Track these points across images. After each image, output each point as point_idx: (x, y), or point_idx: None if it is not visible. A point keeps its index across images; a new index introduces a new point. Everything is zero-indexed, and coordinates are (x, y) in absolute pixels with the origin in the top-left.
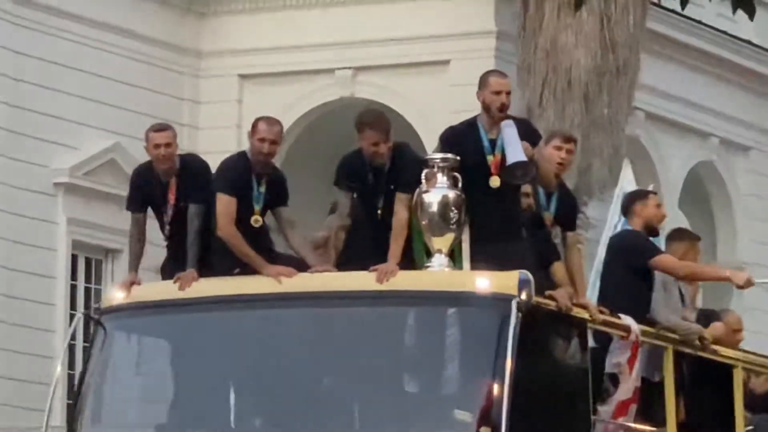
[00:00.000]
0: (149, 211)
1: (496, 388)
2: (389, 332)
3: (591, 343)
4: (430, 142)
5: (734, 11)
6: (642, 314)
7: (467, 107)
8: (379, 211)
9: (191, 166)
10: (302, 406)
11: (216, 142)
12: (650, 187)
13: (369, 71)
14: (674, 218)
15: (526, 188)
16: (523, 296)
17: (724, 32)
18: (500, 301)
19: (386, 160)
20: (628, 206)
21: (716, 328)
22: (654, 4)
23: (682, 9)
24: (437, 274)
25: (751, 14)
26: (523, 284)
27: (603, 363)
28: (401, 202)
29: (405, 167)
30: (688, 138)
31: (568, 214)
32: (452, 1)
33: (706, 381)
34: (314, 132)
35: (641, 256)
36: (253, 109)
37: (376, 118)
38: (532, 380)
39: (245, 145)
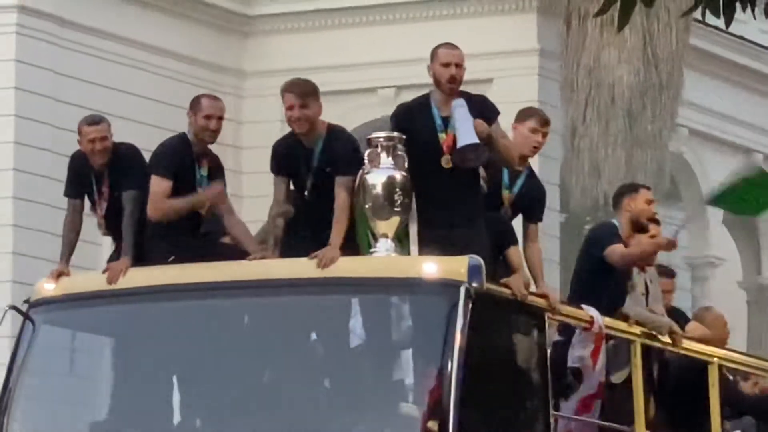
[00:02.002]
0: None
1: (444, 380)
2: (331, 322)
3: (556, 336)
4: None
5: None
6: (611, 307)
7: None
8: (306, 193)
9: (124, 154)
10: (242, 401)
11: (259, 163)
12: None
13: (412, 90)
14: (719, 235)
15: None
16: (474, 283)
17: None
18: (448, 287)
19: (307, 132)
20: (616, 199)
21: (694, 328)
22: (697, 20)
23: (727, 27)
24: (381, 259)
25: None
26: (473, 270)
27: (566, 356)
28: (341, 184)
29: (340, 148)
30: (732, 154)
31: (533, 202)
32: (495, 19)
33: (679, 378)
34: None
35: (598, 247)
36: None
37: (293, 82)
38: (485, 373)
39: None
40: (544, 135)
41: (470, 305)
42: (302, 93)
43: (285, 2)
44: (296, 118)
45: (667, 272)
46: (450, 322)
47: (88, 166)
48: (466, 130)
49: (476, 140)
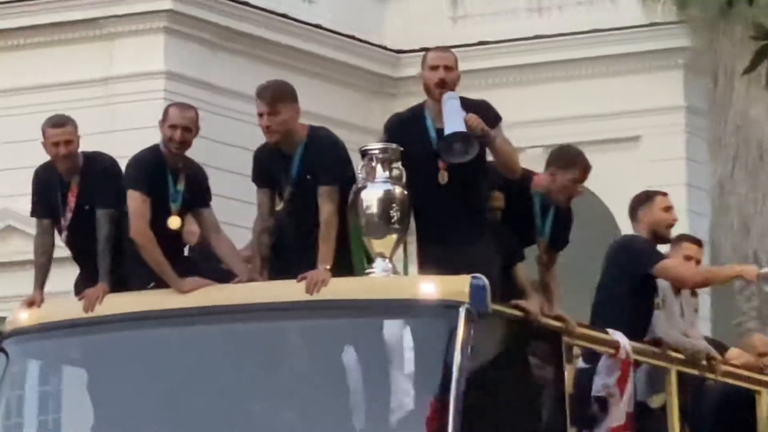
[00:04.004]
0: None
1: (443, 408)
2: (322, 348)
3: (581, 363)
4: (622, 220)
5: None
6: (640, 331)
7: (660, 182)
8: (284, 205)
9: (96, 165)
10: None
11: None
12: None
13: None
14: None
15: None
16: (476, 304)
17: None
18: (447, 308)
19: (283, 140)
20: (632, 211)
21: (737, 355)
22: None
23: None
24: (375, 280)
25: None
26: (476, 290)
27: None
28: (324, 195)
29: (321, 154)
30: None
31: (560, 233)
32: (641, 77)
33: (722, 408)
34: None
35: (641, 263)
36: None
37: (264, 86)
38: (490, 401)
39: None
40: (582, 187)
41: (472, 328)
42: (272, 99)
43: None
44: (265, 126)
45: (695, 240)
46: (450, 347)
47: (54, 177)
48: (453, 120)
49: (464, 129)
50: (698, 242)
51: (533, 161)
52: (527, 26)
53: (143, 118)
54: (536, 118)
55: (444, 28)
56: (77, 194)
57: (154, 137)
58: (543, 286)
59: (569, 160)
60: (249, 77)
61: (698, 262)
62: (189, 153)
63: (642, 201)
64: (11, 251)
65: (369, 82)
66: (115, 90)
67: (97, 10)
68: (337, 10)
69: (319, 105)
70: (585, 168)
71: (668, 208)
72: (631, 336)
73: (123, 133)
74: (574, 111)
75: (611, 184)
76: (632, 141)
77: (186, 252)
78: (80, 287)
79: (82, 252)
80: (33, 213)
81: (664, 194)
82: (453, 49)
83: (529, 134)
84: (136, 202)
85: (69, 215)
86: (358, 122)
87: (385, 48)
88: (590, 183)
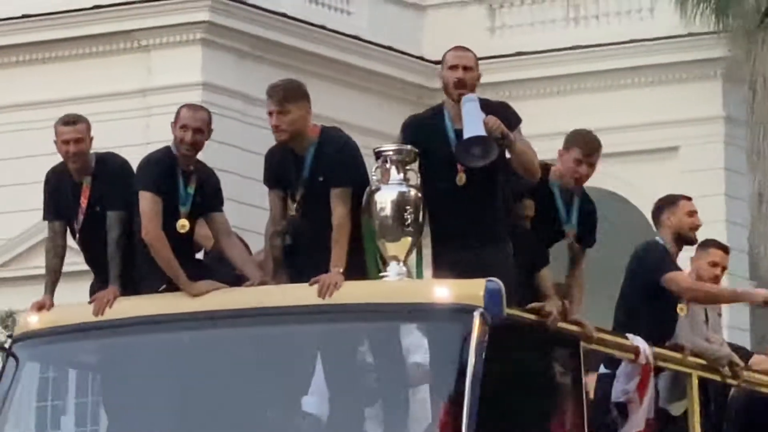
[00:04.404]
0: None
1: (456, 415)
2: (333, 352)
3: (602, 369)
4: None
5: None
6: (663, 338)
7: (698, 192)
8: (294, 206)
9: (108, 166)
10: None
11: None
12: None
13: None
14: None
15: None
16: (491, 308)
17: None
18: (461, 313)
19: (293, 140)
20: (656, 215)
21: (760, 361)
22: None
23: None
24: (388, 284)
25: None
26: (491, 294)
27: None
28: (336, 197)
29: (334, 154)
30: None
31: (590, 227)
32: (680, 88)
33: (745, 415)
34: None
35: (653, 273)
36: None
37: (274, 84)
38: (506, 407)
39: None
40: (590, 165)
41: (487, 333)
42: (282, 98)
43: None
44: (274, 125)
45: (721, 246)
46: (464, 351)
47: (65, 178)
48: (472, 123)
49: (483, 133)
50: (724, 248)
51: None
52: (565, 36)
53: None
54: (574, 128)
55: (481, 38)
56: (89, 196)
57: None
58: (567, 288)
59: (569, 139)
60: None
61: (724, 268)
62: (228, 164)
63: (666, 205)
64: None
65: (406, 92)
66: (152, 102)
67: (133, 22)
68: (375, 20)
69: (355, 115)
70: (586, 145)
71: (692, 213)
72: (652, 342)
73: (160, 144)
74: (612, 121)
75: (650, 195)
76: (671, 151)
77: (201, 256)
78: (95, 291)
79: (95, 255)
80: (45, 216)
81: (688, 198)
82: (490, 60)
83: None
84: (148, 202)
85: (81, 217)
86: (395, 133)
87: (422, 59)
88: (629, 193)
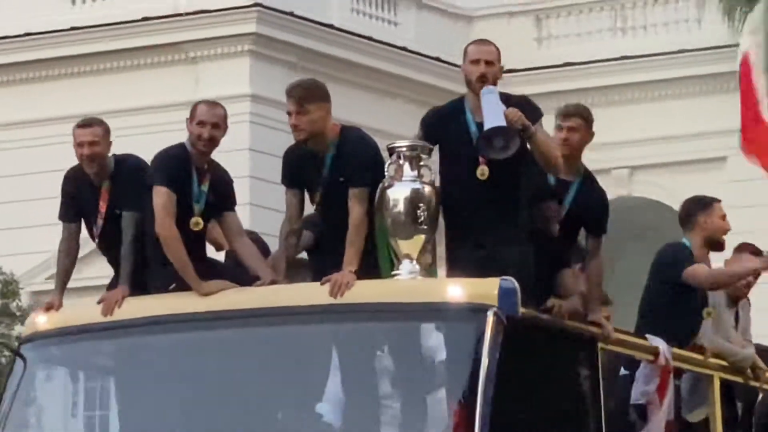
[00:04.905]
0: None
1: (469, 416)
2: (345, 352)
3: (622, 370)
4: None
5: None
6: (686, 339)
7: (746, 203)
8: (315, 207)
9: (125, 168)
10: None
11: None
12: None
13: (645, 170)
14: None
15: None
16: (505, 307)
17: None
18: (475, 312)
19: (314, 139)
20: (688, 216)
21: None
22: None
23: None
24: (401, 283)
25: None
26: (505, 293)
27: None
28: (355, 197)
29: (354, 154)
30: None
31: (593, 212)
32: (728, 97)
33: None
34: None
35: (675, 271)
36: None
37: (294, 84)
38: (520, 408)
39: None
40: (570, 129)
41: (501, 332)
42: (301, 98)
43: (511, 85)
44: (293, 125)
45: (755, 249)
46: (477, 351)
47: (84, 181)
48: (493, 114)
49: (504, 123)
50: (759, 252)
51: (619, 182)
52: (612, 47)
53: (229, 141)
54: (621, 140)
55: (529, 49)
56: (108, 199)
57: (240, 160)
58: (586, 286)
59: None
60: (333, 99)
61: (759, 274)
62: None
63: (700, 207)
64: (95, 275)
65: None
66: None
67: (182, 34)
68: (422, 31)
69: (403, 127)
70: (561, 111)
71: (725, 216)
72: (674, 343)
73: None
74: (659, 132)
75: None
76: (718, 161)
77: (222, 256)
78: (113, 288)
79: (116, 256)
80: (60, 216)
81: (719, 201)
82: (537, 70)
83: (614, 155)
84: (162, 197)
85: (100, 222)
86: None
87: None
88: (676, 204)
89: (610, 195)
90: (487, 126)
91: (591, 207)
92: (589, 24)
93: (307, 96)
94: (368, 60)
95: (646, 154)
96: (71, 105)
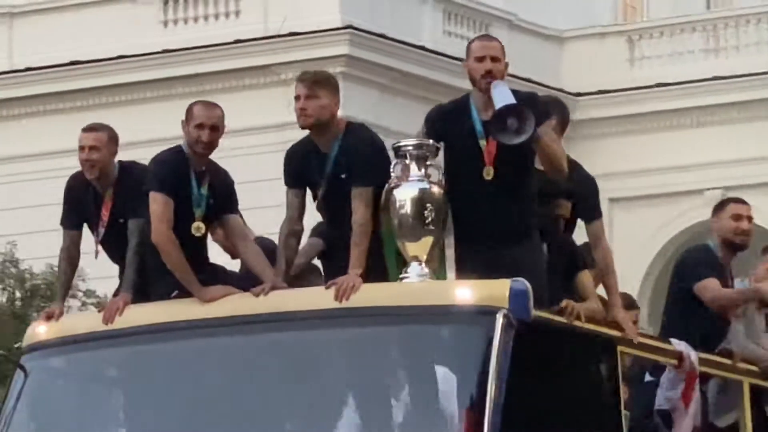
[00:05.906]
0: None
1: (476, 421)
2: (351, 358)
3: (647, 376)
4: None
5: None
6: (712, 344)
7: None
8: (317, 205)
9: (129, 176)
10: None
11: None
12: None
13: (738, 191)
14: None
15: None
16: (516, 309)
17: None
18: (484, 315)
19: (318, 131)
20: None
21: None
22: None
23: None
24: (408, 286)
25: None
26: (516, 295)
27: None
28: (358, 196)
29: (358, 150)
30: None
31: (586, 198)
32: None
33: None
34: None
35: (690, 279)
36: (624, 232)
37: (307, 70)
38: (532, 415)
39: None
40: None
41: (512, 335)
42: (312, 82)
43: (603, 106)
44: (300, 108)
45: None
46: (487, 355)
47: (88, 188)
48: (504, 100)
49: (514, 101)
50: None
51: (711, 203)
52: (704, 67)
53: None
54: (714, 160)
55: (621, 70)
56: (111, 207)
57: None
58: (606, 288)
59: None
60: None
61: None
62: None
63: (715, 209)
64: None
65: None
66: (290, 136)
67: (274, 56)
68: (514, 53)
69: None
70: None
71: (738, 216)
72: (700, 348)
73: None
74: (752, 152)
75: None
76: None
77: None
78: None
79: (120, 265)
80: (62, 222)
81: (742, 202)
82: (631, 91)
83: (707, 176)
84: (158, 204)
85: (101, 230)
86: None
87: (562, 90)
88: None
89: (702, 217)
90: (498, 105)
91: (585, 194)
92: (681, 44)
93: (319, 81)
94: (460, 82)
95: (738, 174)
96: (165, 127)
